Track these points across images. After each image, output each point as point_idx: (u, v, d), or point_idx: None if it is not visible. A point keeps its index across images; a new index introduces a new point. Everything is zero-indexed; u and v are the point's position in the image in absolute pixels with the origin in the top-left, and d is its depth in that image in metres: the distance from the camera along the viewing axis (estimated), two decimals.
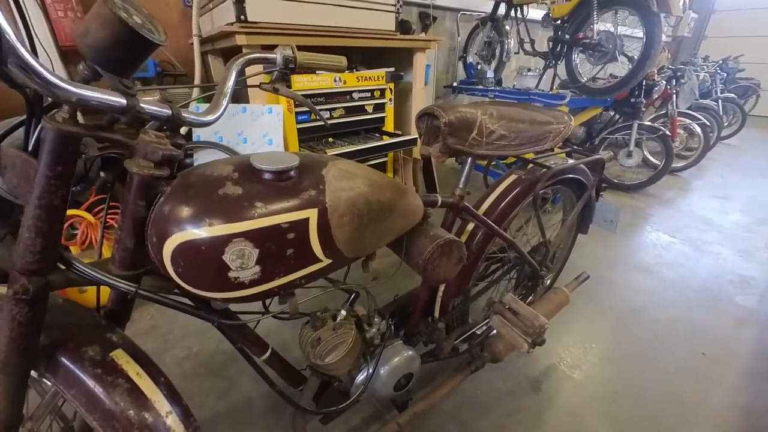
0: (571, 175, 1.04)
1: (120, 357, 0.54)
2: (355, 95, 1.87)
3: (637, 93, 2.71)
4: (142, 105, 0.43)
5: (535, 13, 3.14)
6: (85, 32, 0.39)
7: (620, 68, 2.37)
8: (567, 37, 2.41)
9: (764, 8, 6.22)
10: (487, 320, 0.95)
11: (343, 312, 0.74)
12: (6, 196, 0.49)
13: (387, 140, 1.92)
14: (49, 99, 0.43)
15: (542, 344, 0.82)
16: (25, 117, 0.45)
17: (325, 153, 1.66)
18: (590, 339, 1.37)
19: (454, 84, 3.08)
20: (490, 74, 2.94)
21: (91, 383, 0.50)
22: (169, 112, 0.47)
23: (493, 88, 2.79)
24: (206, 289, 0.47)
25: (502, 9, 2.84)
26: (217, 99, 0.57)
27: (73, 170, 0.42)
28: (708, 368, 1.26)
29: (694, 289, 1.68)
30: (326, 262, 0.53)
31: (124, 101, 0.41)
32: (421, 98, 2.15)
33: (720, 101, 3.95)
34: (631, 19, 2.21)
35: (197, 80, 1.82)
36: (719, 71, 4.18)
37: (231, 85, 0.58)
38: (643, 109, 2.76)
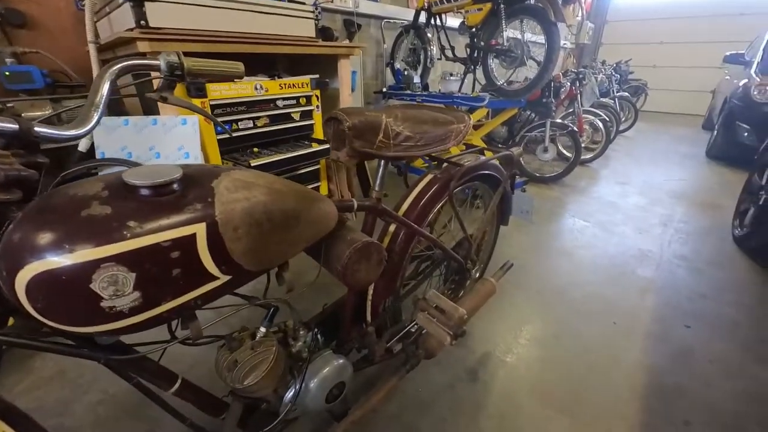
0: (484, 172, 1.10)
1: None
2: (280, 103, 1.82)
3: (547, 94, 2.99)
4: None
5: (453, 21, 3.32)
6: None
7: (531, 72, 2.60)
8: (481, 43, 2.58)
9: (648, 19, 7.27)
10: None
11: (263, 329, 0.71)
12: None
13: (316, 147, 1.89)
14: None
15: (463, 335, 0.85)
16: None
17: (249, 164, 1.59)
18: (520, 323, 1.47)
19: (384, 89, 3.14)
20: (416, 79, 3.04)
21: None
22: (15, 126, 0.41)
23: (420, 92, 2.89)
24: (77, 324, 0.42)
25: (423, 17, 2.97)
26: (87, 111, 0.51)
27: None
28: (619, 336, 1.41)
29: (604, 266, 1.88)
30: (224, 278, 0.50)
31: None
32: (348, 104, 2.16)
33: (617, 99, 4.50)
34: (536, 27, 2.43)
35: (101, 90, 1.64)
36: (614, 73, 4.77)
37: (104, 95, 0.53)
38: (554, 108, 3.06)
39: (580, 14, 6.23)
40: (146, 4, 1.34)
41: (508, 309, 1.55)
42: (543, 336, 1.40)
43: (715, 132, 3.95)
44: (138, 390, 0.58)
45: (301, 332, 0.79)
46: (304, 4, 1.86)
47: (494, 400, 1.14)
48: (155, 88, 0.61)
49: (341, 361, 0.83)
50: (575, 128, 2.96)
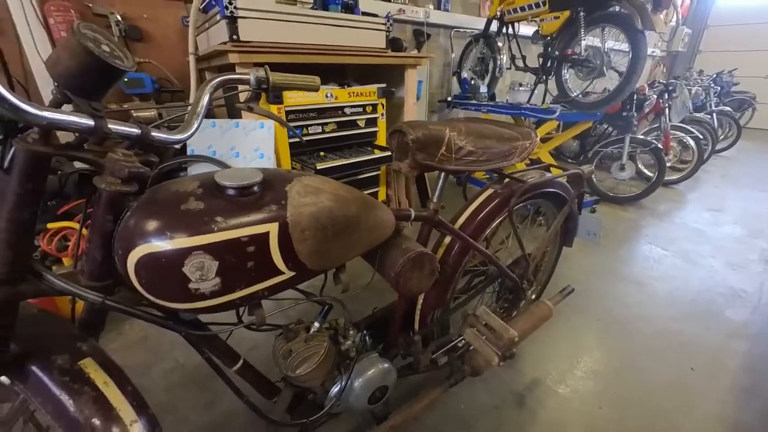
0: (549, 189, 1.05)
1: (88, 366, 0.55)
2: (347, 110, 1.91)
3: (628, 107, 2.75)
4: (110, 126, 0.46)
5: (526, 29, 3.21)
6: (56, 61, 0.42)
7: (611, 83, 2.42)
8: (556, 53, 2.46)
9: (757, 23, 6.32)
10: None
11: (316, 324, 0.75)
12: None
13: (378, 154, 1.95)
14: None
15: (512, 357, 0.82)
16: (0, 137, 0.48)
17: (316, 166, 1.69)
18: (577, 352, 1.37)
19: (449, 99, 3.13)
20: (483, 89, 2.99)
21: (57, 391, 0.52)
22: (138, 131, 0.50)
23: (486, 102, 2.84)
24: (168, 300, 0.49)
25: (494, 26, 2.91)
26: (189, 119, 0.60)
27: (43, 187, 0.45)
28: (696, 382, 1.25)
29: (684, 302, 1.67)
30: (289, 274, 0.55)
31: (92, 123, 0.44)
32: (412, 113, 2.20)
33: (715, 114, 3.98)
34: (619, 34, 2.26)
35: (192, 95, 1.87)
36: (713, 85, 4.23)
37: (204, 105, 0.61)
38: (636, 122, 2.80)
39: (674, 19, 5.62)
40: (239, 21, 1.50)
41: (564, 335, 1.45)
42: (602, 370, 1.29)
43: None
44: (208, 364, 0.66)
45: (351, 332, 0.83)
46: (377, 16, 1.94)
47: (539, 430, 1.08)
48: (243, 99, 0.69)
49: (386, 365, 0.85)
50: (660, 145, 2.68)
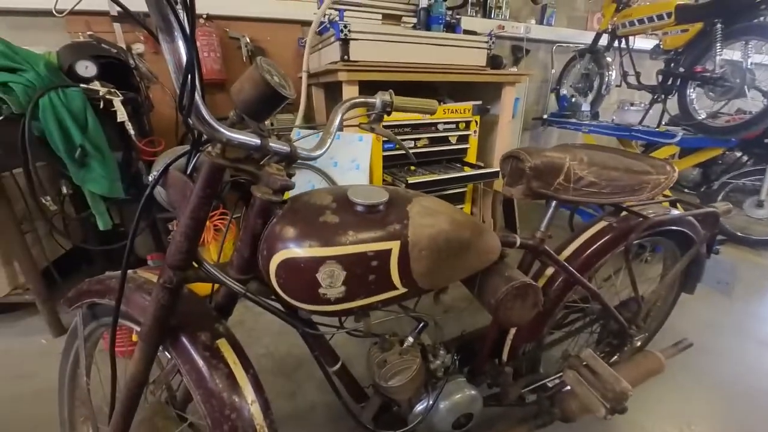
0: (673, 227, 0.93)
1: (223, 345, 0.64)
2: (440, 126, 1.93)
3: None
4: (270, 144, 0.54)
5: (642, 43, 2.91)
6: (240, 90, 0.50)
7: (750, 103, 2.05)
8: (681, 70, 2.18)
9: None
10: (560, 374, 0.89)
11: (411, 339, 0.77)
12: (166, 206, 0.64)
13: (468, 171, 1.93)
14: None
15: (623, 413, 0.73)
16: (188, 148, 0.59)
17: (407, 180, 1.74)
18: (688, 418, 1.17)
19: (544, 116, 2.97)
20: (585, 107, 2.77)
21: (200, 363, 0.61)
22: (288, 149, 0.57)
23: (588, 122, 2.62)
24: (298, 300, 0.55)
25: (603, 40, 2.69)
26: (324, 137, 0.67)
27: (217, 192, 0.54)
28: None
29: None
30: (402, 290, 0.57)
31: (258, 141, 0.52)
32: (506, 131, 2.13)
33: None
34: (766, 47, 1.92)
35: (301, 107, 2.07)
36: None
37: (336, 125, 0.68)
38: None
39: None
40: (351, 42, 1.63)
41: (671, 394, 1.25)
42: None
43: None
44: (315, 361, 0.72)
45: (441, 351, 0.83)
46: (478, 34, 1.93)
47: None
48: (368, 120, 0.75)
49: (474, 392, 0.83)
50: None
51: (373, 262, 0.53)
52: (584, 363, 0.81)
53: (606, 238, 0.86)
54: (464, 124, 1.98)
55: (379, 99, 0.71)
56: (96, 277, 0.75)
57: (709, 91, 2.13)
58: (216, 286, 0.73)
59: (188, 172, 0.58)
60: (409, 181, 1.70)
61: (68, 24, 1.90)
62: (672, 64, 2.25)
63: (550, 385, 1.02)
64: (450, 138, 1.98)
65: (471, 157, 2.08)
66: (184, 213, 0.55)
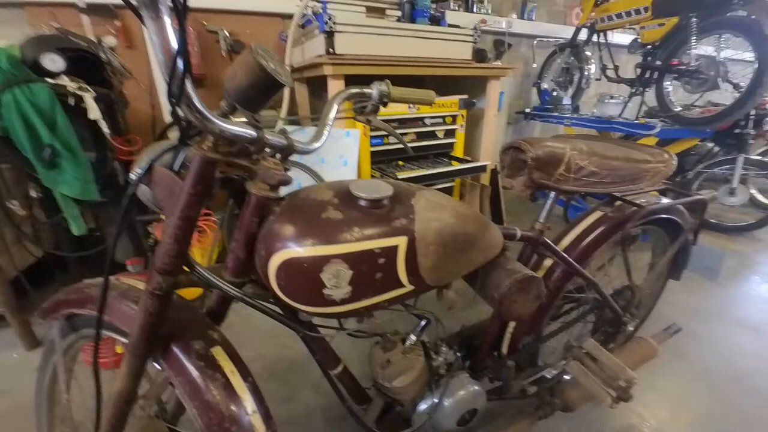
0: (665, 216, 0.95)
1: (219, 354, 0.60)
2: (427, 121, 1.92)
3: (743, 123, 2.40)
4: (267, 136, 0.50)
5: (620, 37, 2.98)
6: (233, 76, 0.46)
7: (722, 96, 2.13)
8: (658, 63, 2.23)
9: None
10: (562, 364, 0.89)
11: (413, 337, 0.75)
12: (151, 207, 0.59)
13: (456, 165, 1.92)
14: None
15: (628, 400, 0.74)
16: (175, 143, 0.54)
17: (395, 176, 1.71)
18: (679, 402, 1.20)
19: (527, 110, 3.00)
20: (566, 101, 2.82)
21: (195, 374, 0.57)
22: (285, 142, 0.54)
23: (569, 115, 2.67)
24: (302, 303, 0.52)
25: (583, 34, 2.74)
26: (320, 129, 0.63)
27: (210, 189, 0.50)
28: None
29: None
30: (409, 288, 0.55)
31: (254, 133, 0.48)
32: (492, 125, 2.14)
33: None
34: (737, 41, 1.99)
35: (285, 103, 2.01)
36: None
37: (332, 117, 0.65)
38: (751, 141, 2.43)
39: None
40: (336, 35, 1.58)
41: (665, 380, 1.28)
42: (709, 426, 1.12)
43: None
44: (317, 364, 0.69)
45: (444, 348, 0.81)
46: (462, 28, 1.92)
47: None
48: (365, 111, 0.72)
49: (477, 387, 0.82)
50: None
51: (381, 260, 0.51)
52: (586, 352, 0.81)
53: (602, 227, 0.86)
54: (451, 119, 1.97)
55: (375, 89, 0.68)
56: (73, 286, 0.70)
57: (685, 83, 2.19)
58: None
59: (176, 168, 0.54)
60: (398, 177, 1.68)
61: (30, 16, 1.77)
62: (649, 58, 2.31)
63: (549, 376, 1.02)
64: (437, 132, 1.97)
65: (458, 151, 2.07)
66: (173, 213, 0.50)
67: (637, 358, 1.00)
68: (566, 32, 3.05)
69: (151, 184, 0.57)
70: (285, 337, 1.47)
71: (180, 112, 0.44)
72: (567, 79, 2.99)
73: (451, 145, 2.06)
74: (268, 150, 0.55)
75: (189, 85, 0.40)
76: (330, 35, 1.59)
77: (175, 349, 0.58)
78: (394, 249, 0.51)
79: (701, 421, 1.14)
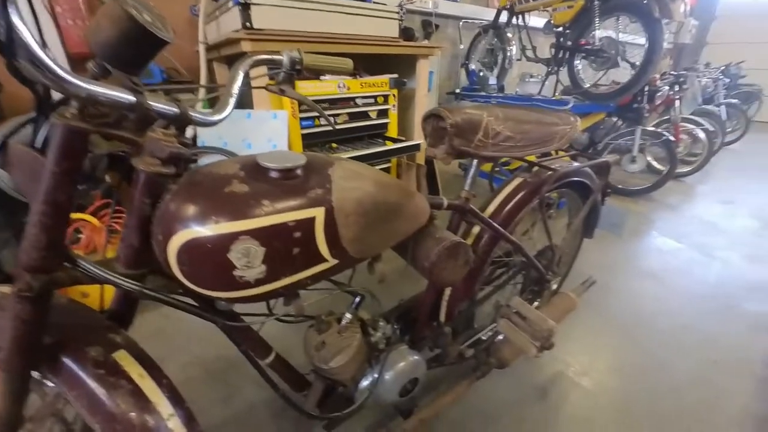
0: (576, 179, 1.03)
1: (123, 358, 0.53)
2: (359, 101, 1.88)
3: (639, 99, 2.71)
4: (150, 102, 0.43)
5: (536, 20, 3.16)
6: (96, 29, 0.39)
7: (622, 74, 2.38)
8: (569, 43, 2.42)
9: (766, 15, 6.25)
10: (494, 324, 0.94)
11: (348, 315, 0.73)
12: (12, 194, 0.49)
13: (390, 145, 1.92)
14: (56, 97, 0.43)
15: (550, 348, 0.80)
16: (33, 114, 0.45)
17: None
18: (597, 346, 1.35)
19: (457, 91, 3.09)
20: (492, 81, 2.95)
21: (93, 384, 0.49)
22: (177, 110, 0.47)
23: (495, 94, 2.80)
24: (211, 288, 0.47)
25: (504, 17, 2.87)
26: (224, 99, 0.57)
27: (80, 167, 0.42)
28: (720, 376, 1.23)
29: (702, 296, 1.65)
30: (332, 262, 0.53)
31: (132, 98, 0.41)
32: (423, 104, 2.16)
33: (723, 107, 3.94)
34: (633, 26, 2.23)
35: (202, 82, 1.84)
36: (722, 77, 4.19)
37: (238, 86, 0.59)
38: (647, 114, 2.76)
39: (683, 9, 5.56)
40: (252, 7, 1.46)
41: (582, 329, 1.43)
42: (624, 365, 1.27)
43: None
44: (244, 356, 0.64)
45: (381, 323, 0.81)
46: (390, 6, 1.89)
47: (565, 425, 1.06)
48: (276, 82, 0.66)
49: (417, 357, 0.83)
50: (671, 137, 2.65)
51: (296, 233, 0.47)
52: (515, 311, 0.86)
53: (523, 192, 0.91)
54: (383, 98, 1.95)
55: (286, 56, 0.63)
56: None
57: (592, 62, 2.41)
58: (108, 290, 0.60)
59: (38, 145, 0.45)
60: None
61: None
62: (561, 39, 2.49)
63: (484, 337, 1.08)
64: (370, 113, 1.94)
65: (392, 131, 2.07)
66: (37, 198, 0.42)
67: (561, 311, 1.09)
68: (490, 14, 3.17)
69: (7, 167, 0.47)
70: (224, 336, 1.38)
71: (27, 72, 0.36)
72: (492, 59, 3.13)
73: (384, 126, 2.04)
74: (160, 121, 0.48)
75: (24, 30, 0.32)
76: (246, 8, 1.46)
77: (66, 360, 0.50)
78: (310, 221, 0.48)
79: (615, 360, 1.29)
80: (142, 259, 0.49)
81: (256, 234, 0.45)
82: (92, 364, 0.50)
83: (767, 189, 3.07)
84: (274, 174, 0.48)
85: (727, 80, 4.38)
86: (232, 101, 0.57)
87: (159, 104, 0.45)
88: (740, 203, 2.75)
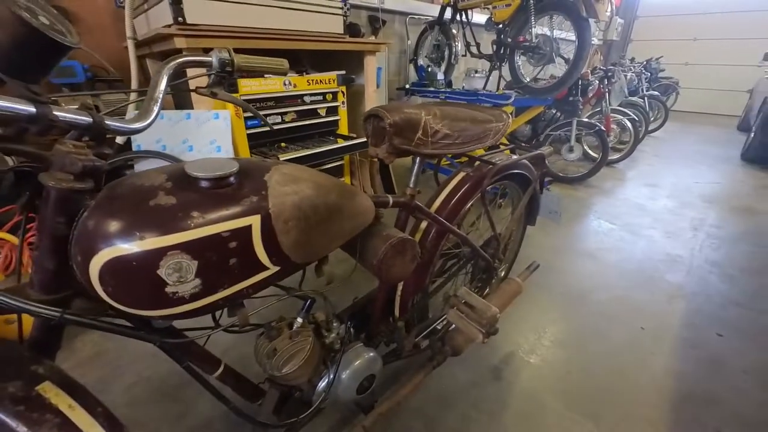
0: (515, 171, 1.09)
1: (48, 390, 0.49)
2: (307, 99, 1.84)
3: (574, 92, 2.92)
4: (56, 113, 0.40)
5: (479, 17, 3.28)
6: None
7: (558, 69, 2.55)
8: (509, 40, 2.54)
9: (681, 14, 6.98)
10: (444, 315, 0.98)
11: (300, 319, 0.73)
12: None
13: (341, 143, 1.91)
14: None
15: (495, 333, 0.85)
16: None
17: (278, 158, 1.62)
18: (544, 324, 1.46)
19: (407, 86, 3.13)
20: (440, 76, 3.03)
21: (13, 424, 0.45)
22: (89, 119, 0.44)
23: (444, 89, 2.87)
24: (142, 308, 0.45)
25: (448, 13, 2.94)
26: (147, 105, 0.54)
27: None
28: (647, 341, 1.38)
29: (631, 270, 1.83)
30: (274, 269, 0.52)
31: (33, 109, 0.38)
32: (373, 101, 2.17)
33: (646, 98, 4.36)
34: (566, 24, 2.38)
35: (134, 86, 1.71)
36: (644, 71, 4.62)
37: (162, 90, 0.55)
38: (581, 106, 2.99)
39: (609, 9, 6.04)
40: (184, 1, 1.38)
41: (531, 310, 1.53)
42: (567, 338, 1.39)
43: (753, 134, 3.77)
44: (188, 372, 0.61)
45: (335, 324, 0.81)
46: (334, 0, 1.87)
47: (518, 400, 1.14)
48: (206, 84, 0.64)
49: (372, 354, 0.84)
50: (602, 127, 2.89)
51: (231, 244, 0.46)
52: (463, 300, 0.90)
53: (466, 186, 0.95)
54: (331, 95, 1.93)
55: (215, 57, 0.60)
56: None
57: (530, 58, 2.54)
58: (27, 317, 0.55)
59: None
60: (281, 159, 1.60)
61: None
62: (502, 36, 2.60)
63: (439, 327, 1.12)
64: (319, 111, 1.91)
65: (343, 128, 2.06)
66: None
67: (508, 296, 1.15)
68: (435, 10, 3.24)
69: None
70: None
71: None
72: (439, 55, 3.20)
73: (335, 123, 2.03)
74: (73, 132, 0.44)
75: None
76: (177, 1, 1.37)
77: None
78: (246, 230, 0.47)
79: (559, 334, 1.40)
80: (61, 282, 0.46)
81: (186, 248, 0.43)
82: (11, 402, 0.46)
83: (684, 172, 3.45)
84: (204, 183, 0.46)
85: (649, 74, 4.84)
86: (156, 107, 0.54)
87: (68, 114, 0.41)
88: (662, 185, 3.07)
